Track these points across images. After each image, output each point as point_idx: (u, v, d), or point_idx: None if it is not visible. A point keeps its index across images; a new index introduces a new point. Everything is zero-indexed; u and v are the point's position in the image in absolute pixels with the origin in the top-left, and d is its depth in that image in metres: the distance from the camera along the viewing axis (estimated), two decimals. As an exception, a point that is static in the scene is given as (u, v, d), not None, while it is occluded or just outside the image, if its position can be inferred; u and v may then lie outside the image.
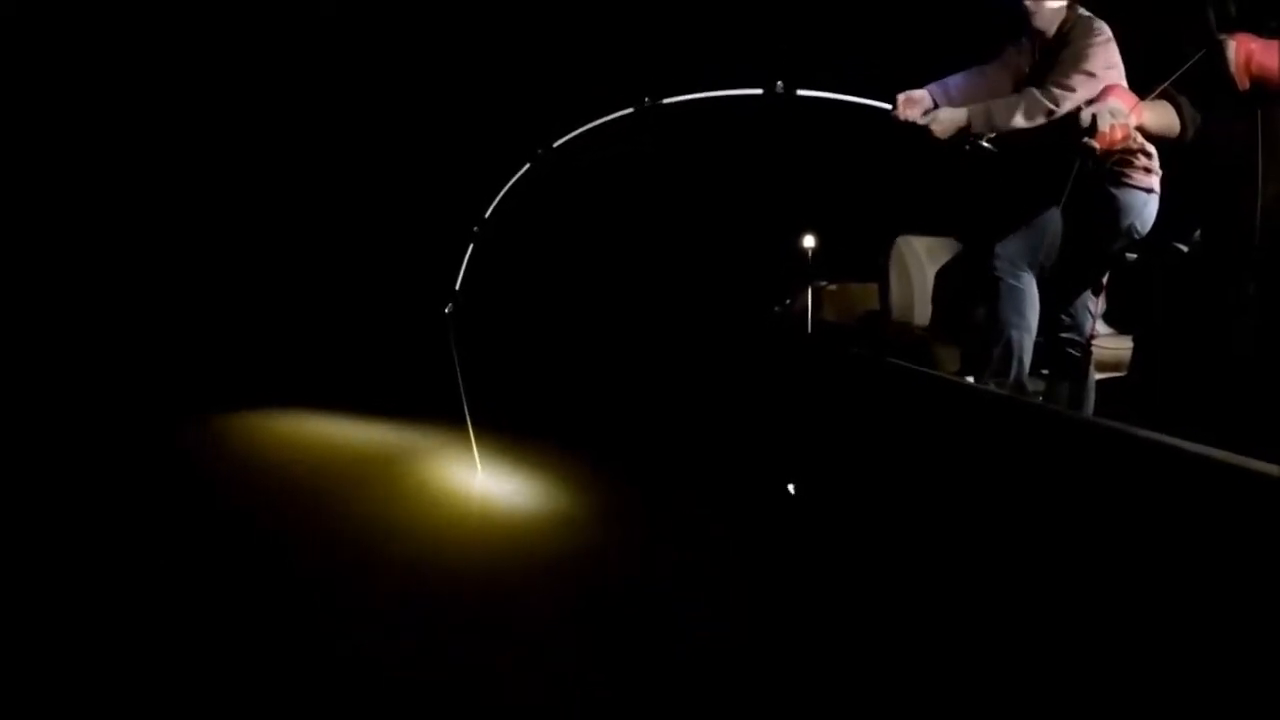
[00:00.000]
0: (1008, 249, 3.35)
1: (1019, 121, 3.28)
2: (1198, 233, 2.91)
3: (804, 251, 4.55)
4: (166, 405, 4.92)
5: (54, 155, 6.57)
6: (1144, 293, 3.37)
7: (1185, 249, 2.99)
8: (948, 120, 3.35)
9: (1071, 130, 2.92)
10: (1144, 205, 3.30)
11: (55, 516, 3.42)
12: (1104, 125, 2.72)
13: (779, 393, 4.67)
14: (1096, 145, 2.78)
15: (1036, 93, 3.27)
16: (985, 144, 3.43)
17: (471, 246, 3.97)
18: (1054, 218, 3.29)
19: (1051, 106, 3.23)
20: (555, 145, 3.74)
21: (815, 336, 4.58)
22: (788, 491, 3.78)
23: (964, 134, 3.36)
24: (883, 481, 3.54)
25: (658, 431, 4.44)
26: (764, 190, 6.17)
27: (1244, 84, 2.54)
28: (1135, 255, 3.53)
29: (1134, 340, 3.40)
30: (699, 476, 3.87)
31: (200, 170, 6.87)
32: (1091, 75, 3.22)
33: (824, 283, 4.70)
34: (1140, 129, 2.87)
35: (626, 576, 2.93)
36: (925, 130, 3.38)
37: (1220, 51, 2.54)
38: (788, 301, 4.83)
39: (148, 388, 5.21)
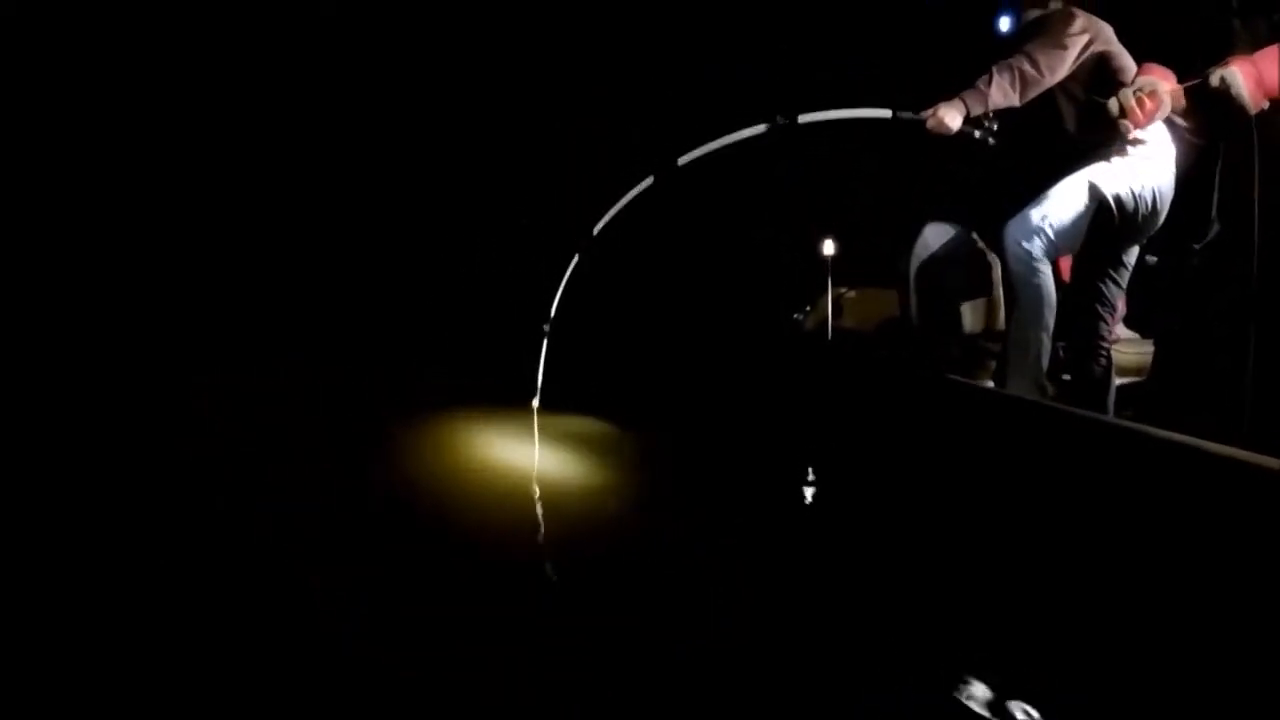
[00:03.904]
0: (1018, 235, 3.27)
1: (1008, 93, 3.25)
2: (1213, 231, 2.87)
3: (824, 259, 4.53)
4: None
5: (88, 151, 6.65)
6: (1164, 296, 3.33)
7: (1198, 248, 2.95)
8: (947, 109, 3.32)
9: (1109, 126, 2.93)
10: (1157, 172, 3.18)
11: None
12: (1129, 102, 2.70)
13: (801, 400, 4.66)
14: (1129, 125, 2.76)
15: (1003, 62, 3.27)
16: (990, 140, 3.42)
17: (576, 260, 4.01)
18: (1073, 201, 3.24)
19: (1019, 68, 3.22)
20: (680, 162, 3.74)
21: (836, 344, 4.56)
22: (808, 491, 3.77)
23: (966, 120, 3.34)
24: (905, 485, 3.51)
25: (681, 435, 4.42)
26: (780, 198, 6.19)
27: (1260, 106, 2.50)
28: (1155, 258, 3.49)
29: (1155, 344, 3.36)
30: (723, 475, 3.86)
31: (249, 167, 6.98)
32: (1058, 46, 3.22)
33: (844, 289, 4.68)
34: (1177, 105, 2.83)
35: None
36: (924, 125, 3.38)
37: (1226, 89, 2.50)
38: (808, 309, 4.82)
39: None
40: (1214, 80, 2.55)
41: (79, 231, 6.57)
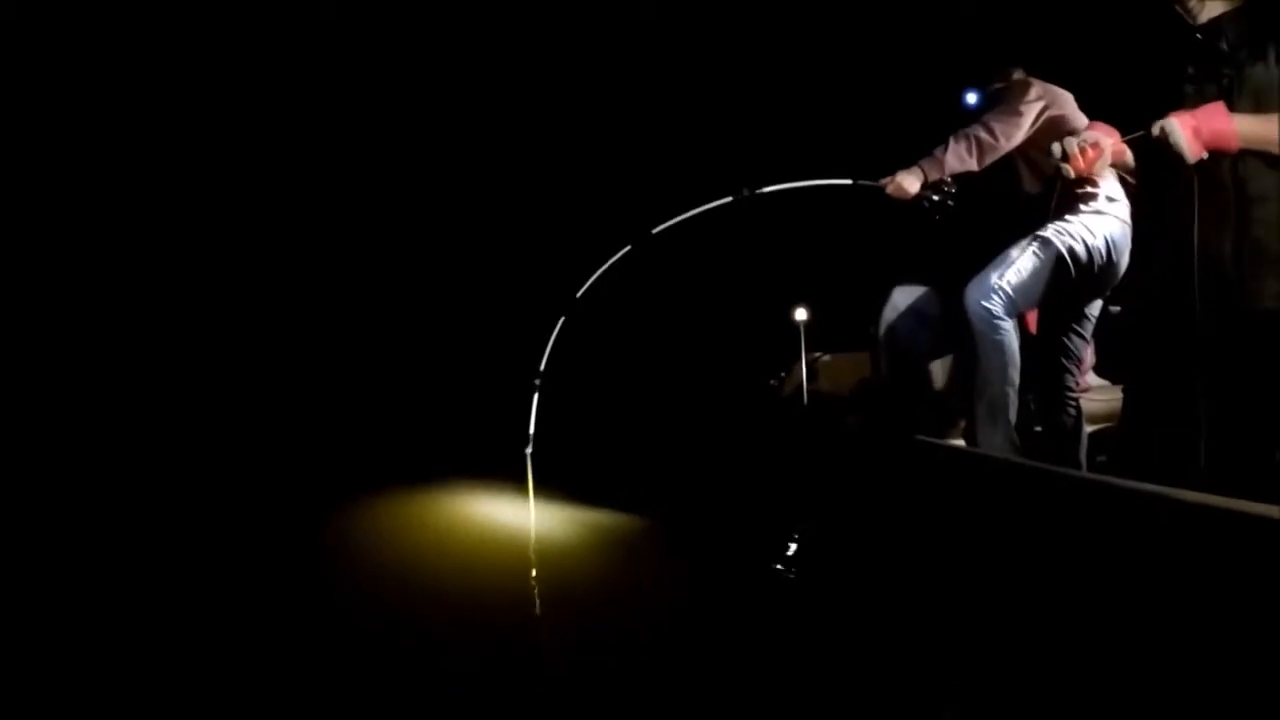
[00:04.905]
0: (978, 296, 3.31)
1: (964, 159, 3.37)
2: (1155, 278, 2.90)
3: (797, 324, 4.58)
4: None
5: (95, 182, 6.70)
6: (1130, 342, 3.36)
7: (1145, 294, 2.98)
8: (904, 175, 3.44)
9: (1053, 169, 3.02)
10: (1110, 226, 3.30)
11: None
12: (1071, 149, 2.79)
13: (779, 465, 4.65)
14: (1070, 170, 2.84)
15: (960, 131, 3.40)
16: (949, 201, 3.50)
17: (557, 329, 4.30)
18: (1030, 259, 3.29)
19: (975, 135, 3.35)
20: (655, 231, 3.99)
21: (812, 408, 4.57)
22: (786, 558, 3.74)
23: (923, 185, 3.44)
24: (885, 548, 3.48)
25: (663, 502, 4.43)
26: (753, 264, 6.28)
27: (1198, 156, 2.57)
28: (1119, 307, 3.54)
29: (1124, 391, 3.38)
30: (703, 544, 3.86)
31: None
32: (1014, 113, 3.35)
33: (818, 354, 4.71)
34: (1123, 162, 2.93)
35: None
36: (882, 191, 3.48)
37: (1165, 139, 2.59)
38: (783, 375, 4.85)
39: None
40: (1154, 130, 2.64)
41: (74, 232, 6.57)
